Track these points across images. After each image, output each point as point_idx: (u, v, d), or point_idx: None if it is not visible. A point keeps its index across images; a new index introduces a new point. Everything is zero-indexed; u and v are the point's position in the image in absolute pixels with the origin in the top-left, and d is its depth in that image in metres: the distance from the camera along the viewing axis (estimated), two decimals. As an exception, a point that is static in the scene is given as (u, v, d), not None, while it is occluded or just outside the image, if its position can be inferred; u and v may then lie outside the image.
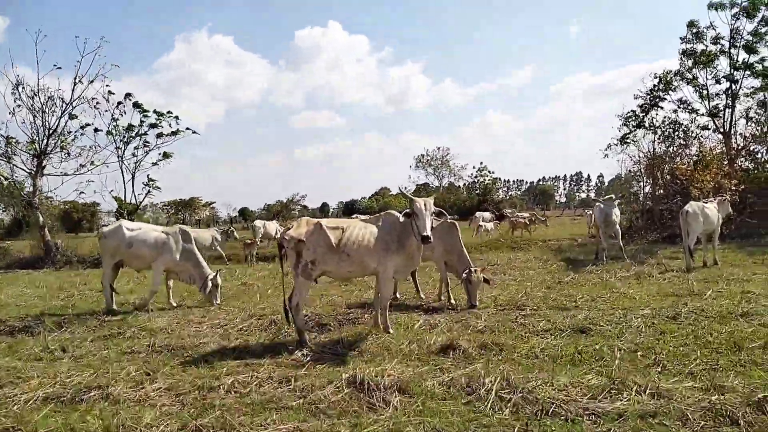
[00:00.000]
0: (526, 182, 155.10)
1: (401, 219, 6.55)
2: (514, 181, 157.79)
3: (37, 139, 21.37)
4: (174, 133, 22.46)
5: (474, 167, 75.54)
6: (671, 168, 19.33)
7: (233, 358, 6.12)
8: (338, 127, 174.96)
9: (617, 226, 14.42)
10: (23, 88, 20.76)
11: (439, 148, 73.87)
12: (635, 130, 20.81)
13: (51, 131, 21.20)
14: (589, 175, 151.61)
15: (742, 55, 20.04)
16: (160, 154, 22.72)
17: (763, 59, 19.31)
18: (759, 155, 20.28)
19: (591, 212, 16.15)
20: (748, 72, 19.50)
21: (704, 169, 18.03)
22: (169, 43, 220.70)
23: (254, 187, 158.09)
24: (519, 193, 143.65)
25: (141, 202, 23.61)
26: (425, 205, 6.45)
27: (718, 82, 20.27)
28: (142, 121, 22.58)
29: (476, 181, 75.16)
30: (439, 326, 7.12)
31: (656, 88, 20.59)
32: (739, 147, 19.94)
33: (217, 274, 9.92)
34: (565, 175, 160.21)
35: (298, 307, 6.76)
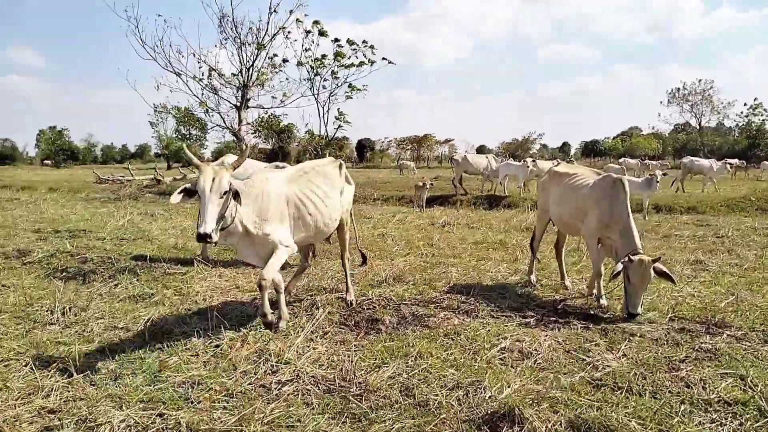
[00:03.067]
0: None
1: (175, 197, 4.26)
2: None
3: (243, 71, 21.74)
4: (362, 64, 20.99)
5: (745, 104, 62.06)
6: None
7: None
8: (588, 59, 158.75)
9: None
10: (227, 19, 21.04)
11: (699, 81, 61.95)
12: None
13: (252, 63, 21.36)
14: None
15: None
16: (349, 87, 21.52)
17: None
18: None
19: None
20: None
21: None
22: None
23: (495, 124, 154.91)
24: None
25: (333, 137, 22.96)
26: (213, 181, 3.98)
27: None
28: (338, 52, 21.57)
29: (749, 121, 61.74)
30: (532, 356, 4.27)
31: None
32: None
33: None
34: None
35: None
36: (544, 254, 8.34)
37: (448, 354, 4.29)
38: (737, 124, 64.68)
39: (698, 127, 62.82)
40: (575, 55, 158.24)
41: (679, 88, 62.74)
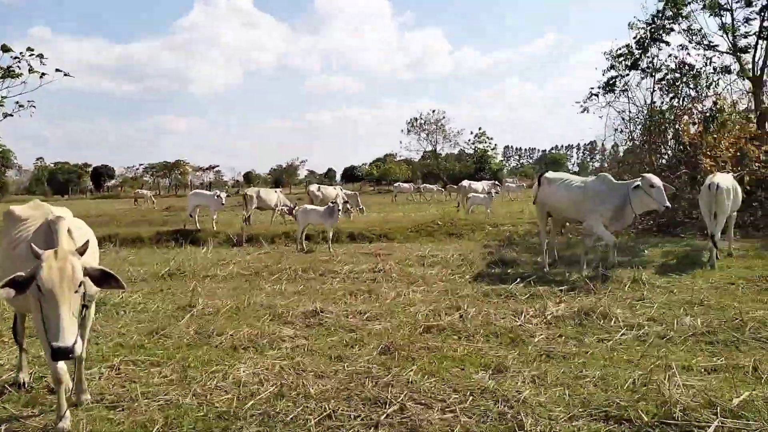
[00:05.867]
0: (538, 150, 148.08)
1: None
2: (525, 150, 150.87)
3: None
4: (11, 74, 16.90)
5: (471, 132, 69.08)
6: (675, 129, 13.58)
7: None
8: (354, 91, 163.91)
9: (590, 219, 8.66)
10: None
11: (433, 111, 67.38)
12: (627, 74, 14.81)
13: None
14: (603, 144, 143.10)
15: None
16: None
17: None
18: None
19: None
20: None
21: (720, 131, 12.32)
22: (188, 3, 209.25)
23: (266, 151, 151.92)
24: (531, 161, 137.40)
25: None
26: None
27: (749, 3, 13.77)
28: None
29: (474, 148, 68.73)
30: None
31: (661, 15, 14.51)
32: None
33: None
34: (578, 144, 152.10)
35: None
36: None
37: None
38: (463, 150, 71.56)
39: (433, 153, 67.91)
40: (342, 86, 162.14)
41: (416, 118, 67.36)
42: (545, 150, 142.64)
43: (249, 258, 11.30)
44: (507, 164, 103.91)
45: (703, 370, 4.55)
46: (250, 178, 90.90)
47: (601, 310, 6.11)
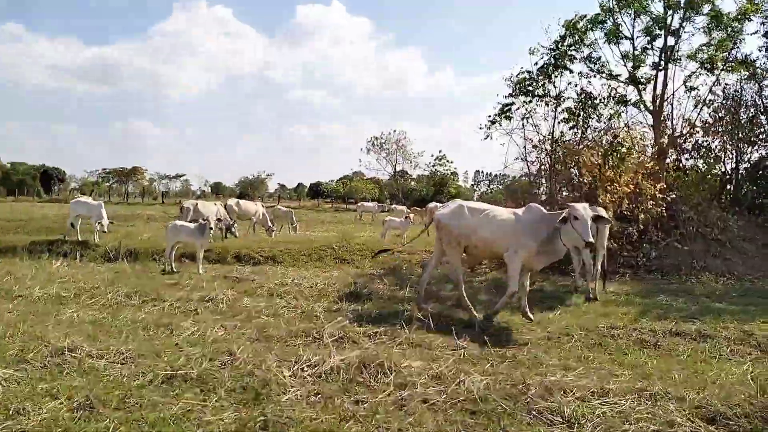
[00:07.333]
0: (508, 177, 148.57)
1: None
2: (496, 176, 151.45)
3: None
4: None
5: (432, 155, 68.46)
6: (577, 161, 12.95)
7: None
8: (332, 107, 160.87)
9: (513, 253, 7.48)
10: None
11: (394, 131, 66.74)
12: (530, 101, 13.72)
13: None
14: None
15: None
16: None
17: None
18: (708, 152, 13.82)
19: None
20: (693, 13, 12.73)
21: (619, 165, 11.71)
22: (166, 9, 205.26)
23: (239, 162, 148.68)
24: (500, 187, 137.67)
25: None
26: None
27: (648, 33, 13.26)
28: None
29: (434, 170, 68.13)
30: None
31: (563, 43, 13.47)
32: (675, 135, 13.46)
33: None
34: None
35: None
36: None
37: None
38: (433, 174, 70.90)
39: (393, 174, 67.16)
40: (319, 101, 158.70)
41: (377, 137, 66.59)
42: (514, 177, 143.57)
43: (90, 276, 10.30)
44: (477, 189, 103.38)
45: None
46: (219, 189, 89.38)
47: (379, 363, 5.27)
